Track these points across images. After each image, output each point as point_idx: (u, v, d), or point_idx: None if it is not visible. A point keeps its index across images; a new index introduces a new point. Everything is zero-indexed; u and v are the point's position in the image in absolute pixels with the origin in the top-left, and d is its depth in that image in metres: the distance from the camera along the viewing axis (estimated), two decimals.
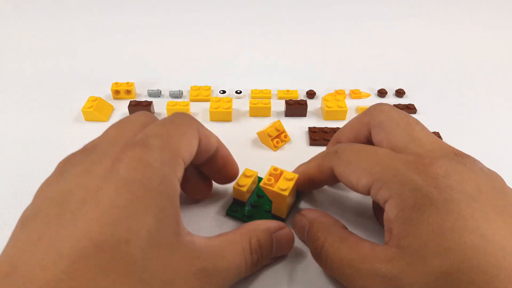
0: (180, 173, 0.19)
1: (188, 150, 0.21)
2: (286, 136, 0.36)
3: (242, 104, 0.43)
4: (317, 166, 0.25)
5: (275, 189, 0.25)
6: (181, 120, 0.22)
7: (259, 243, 0.22)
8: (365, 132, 0.26)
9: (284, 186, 0.25)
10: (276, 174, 0.26)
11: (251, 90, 0.44)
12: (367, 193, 0.22)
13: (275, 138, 0.35)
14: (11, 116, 0.40)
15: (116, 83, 0.44)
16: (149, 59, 0.53)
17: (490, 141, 0.37)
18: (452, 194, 0.19)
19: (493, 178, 0.21)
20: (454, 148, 0.22)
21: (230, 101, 0.40)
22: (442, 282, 0.17)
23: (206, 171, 0.27)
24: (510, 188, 0.21)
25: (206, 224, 0.28)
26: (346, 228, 0.23)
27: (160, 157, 0.18)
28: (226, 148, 0.26)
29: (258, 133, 0.35)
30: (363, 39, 0.61)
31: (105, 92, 0.44)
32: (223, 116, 0.40)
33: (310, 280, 0.24)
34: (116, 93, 0.43)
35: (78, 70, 0.50)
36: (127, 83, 0.44)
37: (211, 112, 0.39)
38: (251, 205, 0.28)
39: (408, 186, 0.19)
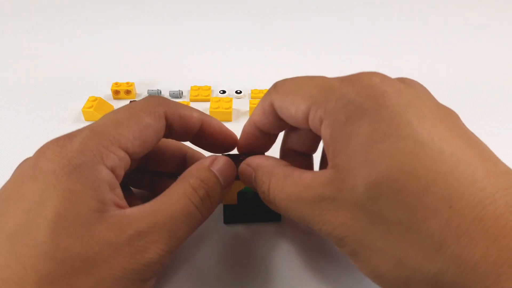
0: (111, 160, 0.19)
1: (136, 138, 0.20)
2: None
3: (242, 104, 0.43)
4: (260, 108, 0.24)
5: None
6: (141, 105, 0.22)
7: (200, 179, 0.21)
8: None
9: None
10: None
11: (251, 90, 0.44)
12: (307, 123, 0.20)
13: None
14: (11, 116, 0.40)
15: (116, 83, 0.44)
16: (149, 59, 0.53)
17: (493, 141, 0.37)
18: (385, 100, 0.17)
19: (446, 109, 0.19)
20: None
21: (230, 101, 0.40)
22: (372, 194, 0.16)
23: (202, 146, 0.26)
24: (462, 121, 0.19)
25: (209, 237, 0.27)
26: (289, 165, 0.22)
27: (78, 147, 0.19)
28: (215, 120, 0.25)
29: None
30: (363, 40, 0.61)
31: (105, 92, 0.44)
32: (223, 116, 0.40)
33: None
34: (116, 93, 0.43)
35: (78, 70, 0.50)
36: (127, 83, 0.44)
37: (211, 112, 0.39)
38: (245, 202, 0.27)
39: (341, 102, 0.18)
